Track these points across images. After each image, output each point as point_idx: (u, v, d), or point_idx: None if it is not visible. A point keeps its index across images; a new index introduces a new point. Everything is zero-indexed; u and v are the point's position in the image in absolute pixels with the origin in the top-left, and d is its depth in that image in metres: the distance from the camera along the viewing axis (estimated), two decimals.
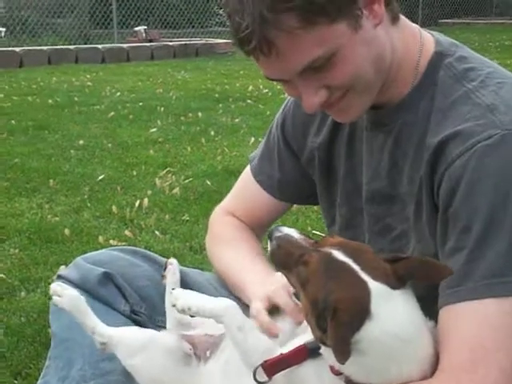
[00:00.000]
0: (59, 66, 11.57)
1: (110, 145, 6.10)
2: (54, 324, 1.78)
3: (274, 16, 1.30)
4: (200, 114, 7.43)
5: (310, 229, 3.94)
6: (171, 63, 12.28)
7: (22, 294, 3.22)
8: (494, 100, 1.40)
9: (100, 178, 5.06)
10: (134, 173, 5.22)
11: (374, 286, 1.24)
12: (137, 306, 1.81)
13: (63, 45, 13.18)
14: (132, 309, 1.80)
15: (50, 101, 8.23)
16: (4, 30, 13.75)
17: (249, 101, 8.19)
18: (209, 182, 4.88)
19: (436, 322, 1.35)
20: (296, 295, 1.42)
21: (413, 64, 1.51)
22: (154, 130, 6.68)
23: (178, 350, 1.61)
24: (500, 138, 1.34)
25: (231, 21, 1.36)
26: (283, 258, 1.38)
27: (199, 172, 5.19)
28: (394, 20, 1.48)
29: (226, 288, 1.83)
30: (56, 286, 1.62)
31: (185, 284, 1.75)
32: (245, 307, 1.59)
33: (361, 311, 1.22)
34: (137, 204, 4.44)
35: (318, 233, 3.77)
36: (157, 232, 4.00)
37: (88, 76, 10.45)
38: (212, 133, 6.54)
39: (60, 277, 1.81)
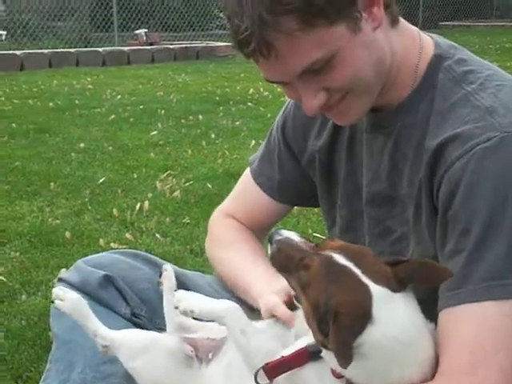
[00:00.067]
0: (60, 69, 11.59)
1: (110, 148, 6.10)
2: (56, 326, 1.79)
3: (273, 18, 1.30)
4: (200, 116, 7.43)
5: (310, 231, 3.95)
6: (172, 66, 12.29)
7: (23, 297, 3.22)
8: (493, 102, 1.40)
9: (101, 180, 5.07)
10: (135, 176, 5.23)
11: (376, 289, 1.24)
12: (137, 308, 1.81)
13: (64, 48, 13.19)
14: (133, 312, 1.80)
15: (50, 104, 8.24)
16: (5, 33, 13.76)
17: (249, 103, 8.19)
18: (209, 185, 4.88)
19: (436, 324, 1.35)
20: (297, 298, 1.42)
21: (412, 67, 1.51)
22: (155, 132, 6.69)
23: (179, 352, 1.61)
24: (499, 141, 1.34)
25: (230, 23, 1.36)
26: (284, 262, 1.38)
27: (200, 175, 5.20)
28: (394, 23, 1.48)
29: (228, 290, 1.83)
30: (58, 290, 1.62)
31: (185, 287, 1.75)
32: (247, 309, 1.59)
33: (362, 315, 1.22)
34: (137, 207, 4.44)
35: (318, 235, 3.77)
36: (157, 235, 4.00)
37: (89, 79, 10.46)
38: (212, 136, 6.54)
39: (61, 280, 1.81)
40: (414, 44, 1.53)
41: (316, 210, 3.67)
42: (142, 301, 1.81)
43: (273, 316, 1.52)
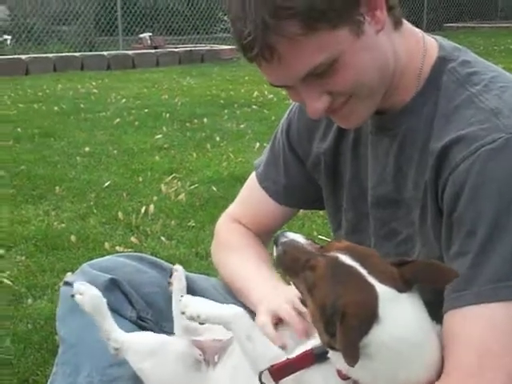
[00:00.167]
0: (65, 73, 11.61)
1: (115, 151, 6.11)
2: (62, 329, 1.79)
3: (276, 22, 1.30)
4: (205, 119, 7.44)
5: (316, 234, 3.95)
6: (176, 69, 12.31)
7: (29, 300, 3.23)
8: (498, 104, 1.40)
9: (106, 184, 5.08)
10: (140, 179, 5.24)
11: (382, 289, 1.24)
12: (143, 312, 1.81)
13: (69, 52, 13.22)
14: (139, 315, 1.80)
15: (55, 108, 8.26)
16: (10, 37, 13.80)
17: (254, 106, 8.20)
18: (214, 188, 4.88)
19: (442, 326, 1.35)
20: (302, 301, 1.42)
21: (416, 70, 1.51)
22: (160, 136, 6.70)
23: (188, 356, 1.61)
24: (504, 142, 1.33)
25: (234, 28, 1.37)
26: (289, 264, 1.38)
27: (205, 178, 5.20)
28: (397, 25, 1.48)
29: (232, 294, 1.83)
30: (80, 285, 1.62)
31: (191, 290, 1.76)
32: (250, 314, 1.59)
33: (369, 315, 1.22)
34: (143, 210, 4.45)
35: (324, 238, 3.77)
36: (163, 238, 4.01)
37: (93, 83, 10.48)
38: (217, 139, 6.55)
39: (66, 283, 1.81)
40: (418, 46, 1.52)
41: (321, 212, 3.67)
42: (148, 304, 1.81)
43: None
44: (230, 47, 13.72)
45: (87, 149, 6.20)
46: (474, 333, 1.30)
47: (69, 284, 1.79)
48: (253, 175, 1.93)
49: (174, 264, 1.83)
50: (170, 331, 1.73)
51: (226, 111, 7.92)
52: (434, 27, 17.47)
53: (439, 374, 1.29)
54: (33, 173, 5.43)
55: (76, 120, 7.60)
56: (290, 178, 1.84)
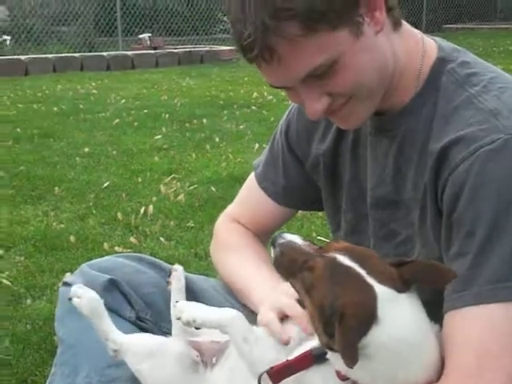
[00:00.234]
0: (64, 74, 11.61)
1: (114, 152, 6.11)
2: (61, 330, 1.79)
3: (275, 23, 1.30)
4: (205, 120, 7.44)
5: (315, 235, 3.95)
6: (176, 70, 12.31)
7: (28, 301, 3.22)
8: (497, 105, 1.40)
9: (105, 185, 5.08)
10: (139, 180, 5.24)
11: (381, 289, 1.24)
12: (142, 312, 1.81)
13: (68, 53, 13.22)
14: (137, 315, 1.80)
15: (55, 108, 8.26)
16: (9, 38, 13.79)
17: (253, 107, 8.20)
18: (213, 189, 4.88)
19: (442, 326, 1.35)
20: (300, 302, 1.42)
21: (415, 71, 1.51)
22: (159, 136, 6.70)
23: (186, 357, 1.61)
24: (503, 143, 1.33)
25: (233, 29, 1.37)
26: (287, 265, 1.38)
27: (204, 179, 5.20)
28: (396, 26, 1.48)
29: (232, 294, 1.83)
30: (77, 288, 1.63)
31: (190, 290, 1.75)
32: (250, 314, 1.59)
33: (368, 315, 1.22)
34: (142, 211, 4.45)
35: (323, 239, 3.77)
36: (162, 238, 4.01)
37: (93, 84, 10.48)
38: (217, 139, 6.55)
39: (65, 284, 1.81)
40: (417, 47, 1.52)
41: (320, 213, 3.67)
42: (147, 305, 1.81)
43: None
44: (229, 48, 13.73)
45: (86, 149, 6.20)
46: (473, 334, 1.30)
47: (68, 284, 1.79)
48: (252, 176, 1.93)
49: (173, 264, 1.83)
50: (168, 331, 1.73)
51: (225, 112, 7.93)
52: (433, 28, 17.48)
53: (438, 374, 1.29)
54: (32, 173, 5.43)
55: (75, 120, 7.60)
56: (288, 179, 1.84)
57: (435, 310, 1.33)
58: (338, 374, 1.31)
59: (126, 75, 11.70)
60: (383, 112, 1.53)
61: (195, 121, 7.44)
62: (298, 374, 1.38)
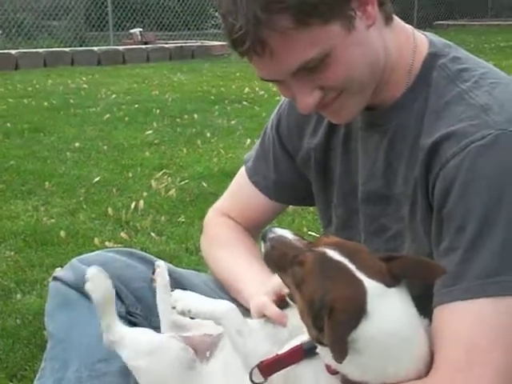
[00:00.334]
0: (55, 69, 11.57)
1: (105, 147, 6.10)
2: (51, 325, 1.78)
3: (267, 16, 1.30)
4: (196, 115, 7.43)
5: (306, 230, 3.95)
6: (167, 65, 12.28)
7: (18, 296, 3.22)
8: (488, 100, 1.40)
9: (96, 180, 5.06)
10: (130, 175, 5.23)
11: (370, 284, 1.24)
12: (132, 307, 1.80)
13: (59, 47, 13.17)
14: (128, 310, 1.79)
15: (45, 103, 8.23)
16: (0, 32, 13.73)
17: (245, 103, 8.20)
18: (205, 184, 4.88)
19: (431, 320, 1.35)
20: (290, 296, 1.42)
21: (406, 66, 1.51)
22: (150, 131, 6.68)
23: (184, 356, 1.60)
24: (494, 138, 1.34)
25: (225, 22, 1.36)
26: (277, 259, 1.38)
27: (195, 174, 5.20)
28: (388, 21, 1.48)
29: (223, 289, 1.83)
30: (94, 270, 1.57)
31: (181, 286, 1.75)
32: (242, 309, 1.58)
33: (357, 310, 1.22)
34: (132, 206, 4.44)
35: (314, 234, 3.78)
36: (153, 234, 4.00)
37: (84, 78, 10.44)
38: (208, 135, 6.54)
39: (56, 278, 1.81)
40: (409, 42, 1.53)
41: (311, 208, 3.67)
42: (138, 299, 1.81)
43: (263, 316, 1.52)
44: (220, 43, 13.71)
45: (77, 144, 6.18)
46: (463, 328, 1.30)
47: (58, 279, 1.79)
48: (242, 170, 1.92)
49: (163, 259, 1.83)
50: (158, 326, 1.72)
51: (216, 107, 7.92)
52: (424, 25, 17.49)
53: (428, 368, 1.30)
54: (22, 168, 5.41)
55: (66, 115, 7.57)
56: (279, 174, 1.84)
57: (425, 305, 1.33)
58: (328, 368, 1.31)
59: (117, 70, 11.66)
60: (374, 107, 1.53)
61: (186, 116, 7.43)
62: (288, 368, 1.38)
